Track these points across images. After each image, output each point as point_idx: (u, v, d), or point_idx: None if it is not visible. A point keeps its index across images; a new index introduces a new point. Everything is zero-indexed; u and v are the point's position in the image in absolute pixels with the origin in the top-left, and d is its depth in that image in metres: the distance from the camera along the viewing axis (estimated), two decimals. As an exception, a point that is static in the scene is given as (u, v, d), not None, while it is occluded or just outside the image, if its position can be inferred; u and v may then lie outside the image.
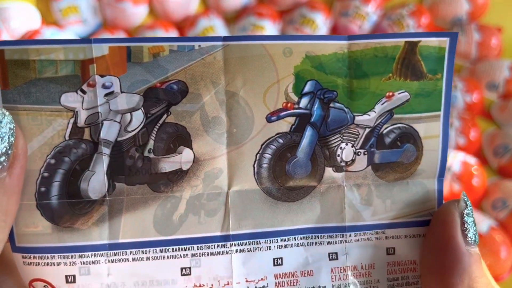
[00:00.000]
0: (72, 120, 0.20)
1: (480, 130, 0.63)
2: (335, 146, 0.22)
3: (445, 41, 0.20)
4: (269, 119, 0.21)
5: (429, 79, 0.21)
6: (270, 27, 0.71)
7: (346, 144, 0.22)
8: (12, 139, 0.18)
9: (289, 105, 0.21)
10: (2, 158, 0.17)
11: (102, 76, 0.19)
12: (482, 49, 0.70)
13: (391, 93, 0.21)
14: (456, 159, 0.57)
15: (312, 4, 0.73)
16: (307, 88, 0.21)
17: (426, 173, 0.23)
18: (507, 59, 0.69)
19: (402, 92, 0.21)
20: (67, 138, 0.20)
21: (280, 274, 0.22)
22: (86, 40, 0.19)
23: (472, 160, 0.58)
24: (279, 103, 0.21)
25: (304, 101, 0.21)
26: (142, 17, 0.74)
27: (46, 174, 0.20)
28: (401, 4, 0.74)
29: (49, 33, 0.68)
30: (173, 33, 0.70)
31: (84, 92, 0.19)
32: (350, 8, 0.73)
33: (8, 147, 0.18)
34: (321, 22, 0.71)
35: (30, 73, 0.19)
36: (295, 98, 0.21)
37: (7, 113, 0.18)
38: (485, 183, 0.58)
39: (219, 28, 0.70)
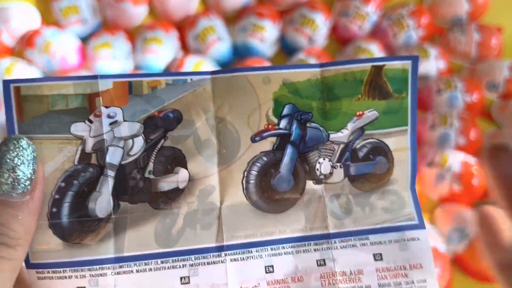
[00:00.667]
0: (80, 147, 0.22)
1: (480, 130, 0.63)
2: (314, 161, 0.24)
3: (408, 64, 0.23)
4: (253, 140, 0.24)
5: (395, 98, 0.23)
6: (270, 27, 0.71)
7: (324, 159, 0.24)
8: (34, 166, 0.20)
9: (270, 126, 0.24)
10: (27, 183, 0.20)
11: (107, 107, 0.22)
12: (482, 49, 0.70)
13: (361, 112, 0.24)
14: (456, 159, 0.57)
15: (312, 4, 0.73)
16: (285, 111, 0.24)
17: (399, 182, 0.25)
18: (507, 59, 0.69)
19: (371, 111, 0.24)
20: (76, 163, 0.22)
21: (272, 280, 0.24)
22: (93, 76, 0.21)
23: (472, 160, 0.58)
24: (261, 125, 0.24)
25: (283, 123, 0.24)
26: (142, 17, 0.74)
27: (57, 196, 0.22)
28: (401, 4, 0.74)
29: (49, 33, 0.68)
30: (173, 34, 0.70)
31: (91, 122, 0.22)
32: (350, 8, 0.73)
33: (32, 173, 0.20)
34: (321, 22, 0.71)
35: (44, 106, 0.21)
36: (275, 120, 0.24)
37: (31, 142, 0.20)
38: (485, 183, 0.58)
39: (219, 28, 0.70)
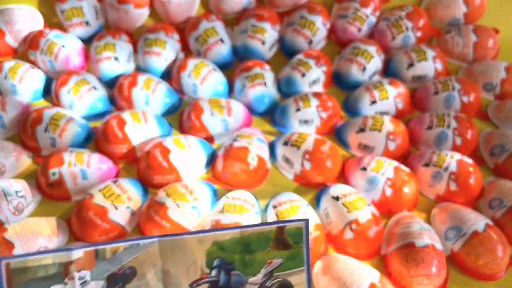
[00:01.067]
0: None
1: (477, 130, 0.64)
2: None
3: (301, 224, 0.31)
4: (192, 286, 0.30)
5: (294, 247, 0.31)
6: (270, 29, 0.72)
7: None
8: None
9: (204, 275, 0.31)
10: None
11: (78, 271, 0.27)
12: (479, 50, 0.71)
13: (270, 261, 0.31)
14: (453, 159, 0.58)
15: (311, 7, 0.73)
16: (215, 263, 0.31)
17: None
18: (504, 60, 0.70)
19: (278, 259, 0.32)
20: None
21: None
22: (68, 249, 0.26)
23: (468, 159, 0.59)
24: (197, 275, 0.30)
25: (214, 272, 0.31)
26: (143, 19, 0.75)
27: None
28: (399, 6, 0.75)
29: (52, 35, 0.69)
30: (175, 36, 0.71)
31: (66, 284, 0.27)
32: (349, 10, 0.74)
33: None
34: (320, 24, 0.72)
35: (28, 275, 0.26)
36: (208, 271, 0.31)
37: None
38: (481, 182, 0.58)
39: (220, 30, 0.71)
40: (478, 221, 0.54)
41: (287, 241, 0.31)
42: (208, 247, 0.30)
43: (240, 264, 0.31)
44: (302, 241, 0.32)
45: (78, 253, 0.27)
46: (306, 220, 0.31)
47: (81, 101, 0.64)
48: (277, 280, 0.32)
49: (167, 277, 0.30)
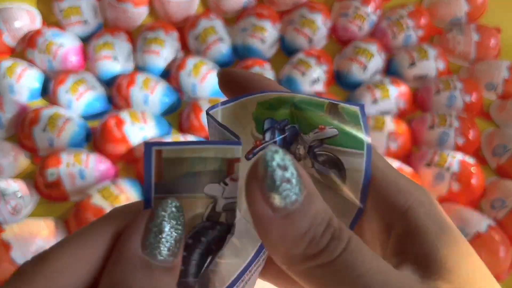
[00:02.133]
0: (211, 205, 0.22)
1: (479, 130, 0.63)
2: (294, 149, 0.27)
3: (356, 108, 0.26)
4: (248, 158, 0.26)
5: (351, 126, 0.26)
6: (270, 28, 0.71)
7: (300, 146, 0.27)
8: (183, 227, 0.20)
9: (258, 142, 0.26)
10: (179, 245, 0.19)
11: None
12: (481, 49, 0.71)
13: (323, 127, 0.26)
14: (455, 159, 0.58)
15: (312, 5, 0.73)
16: (266, 126, 0.26)
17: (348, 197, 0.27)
18: (506, 60, 0.69)
19: (332, 128, 0.26)
20: (204, 220, 0.22)
21: None
22: (236, 142, 0.22)
23: (471, 160, 0.58)
24: (250, 144, 0.26)
25: (267, 136, 0.26)
26: (142, 17, 0.74)
27: (184, 254, 0.21)
28: (401, 4, 0.75)
29: (50, 33, 0.69)
30: (174, 34, 0.71)
31: (226, 184, 0.22)
32: (350, 8, 0.73)
33: (182, 235, 0.19)
34: (321, 23, 0.72)
35: (183, 168, 0.21)
36: (260, 136, 0.26)
37: (179, 204, 0.20)
38: (483, 183, 0.58)
39: (220, 28, 0.71)
40: (480, 222, 0.53)
41: (343, 115, 0.26)
42: (254, 110, 0.25)
43: (291, 119, 0.26)
44: (360, 124, 0.26)
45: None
46: (362, 105, 0.26)
47: (79, 100, 0.64)
48: (326, 152, 0.27)
49: None
